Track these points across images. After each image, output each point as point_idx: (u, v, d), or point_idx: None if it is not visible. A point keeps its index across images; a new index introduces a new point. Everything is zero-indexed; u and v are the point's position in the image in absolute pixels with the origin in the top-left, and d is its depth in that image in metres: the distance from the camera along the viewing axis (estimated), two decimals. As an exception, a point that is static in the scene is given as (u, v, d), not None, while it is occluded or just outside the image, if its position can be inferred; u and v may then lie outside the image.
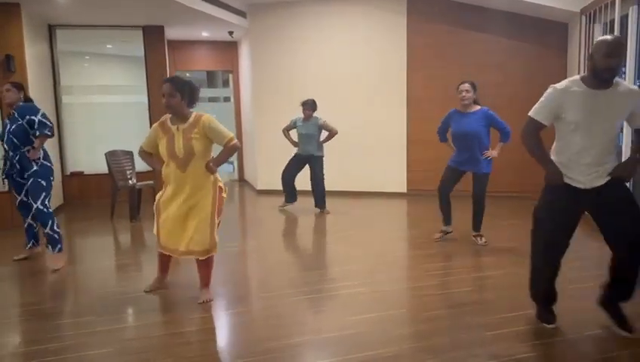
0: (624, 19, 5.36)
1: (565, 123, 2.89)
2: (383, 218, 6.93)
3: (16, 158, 4.61)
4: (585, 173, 2.88)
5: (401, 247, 5.47)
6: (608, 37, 2.83)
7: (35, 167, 4.59)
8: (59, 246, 4.71)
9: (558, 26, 7.42)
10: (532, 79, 7.42)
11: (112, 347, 3.05)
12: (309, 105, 6.93)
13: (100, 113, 8.72)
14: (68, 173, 8.24)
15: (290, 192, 7.31)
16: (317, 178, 7.08)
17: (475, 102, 5.09)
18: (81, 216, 7.38)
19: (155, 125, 3.73)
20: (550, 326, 3.11)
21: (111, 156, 7.13)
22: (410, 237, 5.86)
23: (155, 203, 3.76)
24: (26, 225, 4.94)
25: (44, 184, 4.62)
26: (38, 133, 4.58)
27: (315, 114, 6.97)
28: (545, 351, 2.84)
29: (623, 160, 3.20)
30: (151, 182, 7.26)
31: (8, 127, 4.61)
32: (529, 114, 3.00)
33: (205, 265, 3.72)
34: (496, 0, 7.33)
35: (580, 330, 3.08)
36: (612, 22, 5.56)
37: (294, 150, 7.18)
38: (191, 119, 3.58)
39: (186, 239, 3.59)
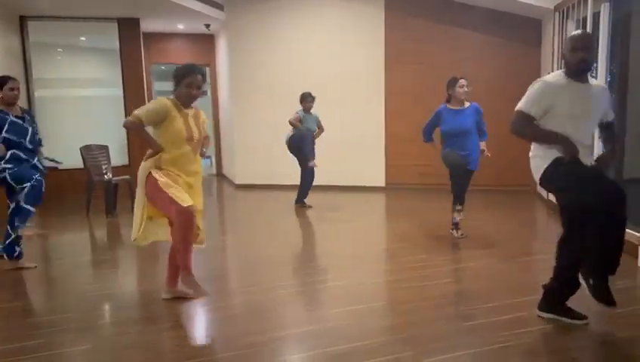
0: (596, 16, 5.46)
1: (556, 116, 2.91)
2: (362, 212, 6.97)
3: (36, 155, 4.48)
4: None
5: (381, 241, 5.51)
6: (576, 32, 2.98)
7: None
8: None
9: (533, 22, 7.54)
10: (508, 74, 7.53)
11: (90, 344, 3.00)
12: (313, 98, 6.84)
13: (74, 106, 8.57)
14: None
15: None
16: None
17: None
18: (57, 212, 7.25)
19: (164, 101, 3.43)
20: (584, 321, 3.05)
21: (86, 150, 7.01)
22: (390, 231, 5.90)
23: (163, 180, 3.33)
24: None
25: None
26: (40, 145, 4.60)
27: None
28: (521, 341, 2.89)
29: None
30: (127, 176, 7.17)
31: (32, 129, 4.42)
32: (520, 108, 2.96)
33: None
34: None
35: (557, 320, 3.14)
36: (584, 19, 5.67)
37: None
38: (193, 109, 3.56)
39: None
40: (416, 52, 8.10)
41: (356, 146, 8.42)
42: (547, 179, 3.02)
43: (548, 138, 2.94)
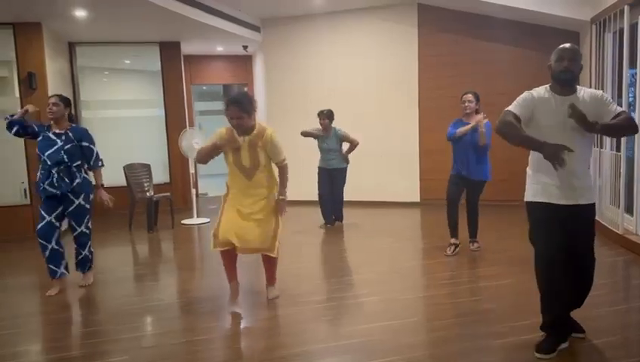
0: (634, 27, 5.37)
1: (538, 128, 2.90)
2: (396, 227, 6.96)
3: (62, 172, 4.35)
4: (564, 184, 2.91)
5: (413, 256, 5.49)
6: (564, 45, 2.95)
7: (79, 179, 4.46)
8: (89, 265, 4.66)
9: (570, 34, 7.42)
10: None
11: (128, 354, 3.14)
12: (325, 115, 6.72)
13: (118, 127, 8.91)
14: (87, 186, 8.43)
15: (330, 214, 7.07)
16: (338, 189, 6.98)
17: (477, 112, 5.15)
18: (101, 227, 7.52)
19: (219, 131, 3.80)
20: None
21: (129, 169, 7.30)
22: (422, 246, 5.89)
23: (222, 204, 3.91)
24: (48, 252, 4.32)
25: (88, 207, 4.53)
26: (93, 166, 4.62)
27: (333, 124, 6.84)
28: (549, 360, 2.86)
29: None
30: (168, 193, 7.42)
31: (61, 144, 4.39)
32: (508, 108, 2.94)
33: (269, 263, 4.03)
34: (505, 9, 7.36)
35: (588, 337, 3.09)
36: (622, 30, 5.57)
37: (315, 162, 7.10)
38: (256, 130, 3.76)
39: (250, 237, 3.76)
40: (450, 67, 8.09)
41: (391, 162, 8.45)
42: (527, 207, 3.07)
43: (530, 141, 2.84)
